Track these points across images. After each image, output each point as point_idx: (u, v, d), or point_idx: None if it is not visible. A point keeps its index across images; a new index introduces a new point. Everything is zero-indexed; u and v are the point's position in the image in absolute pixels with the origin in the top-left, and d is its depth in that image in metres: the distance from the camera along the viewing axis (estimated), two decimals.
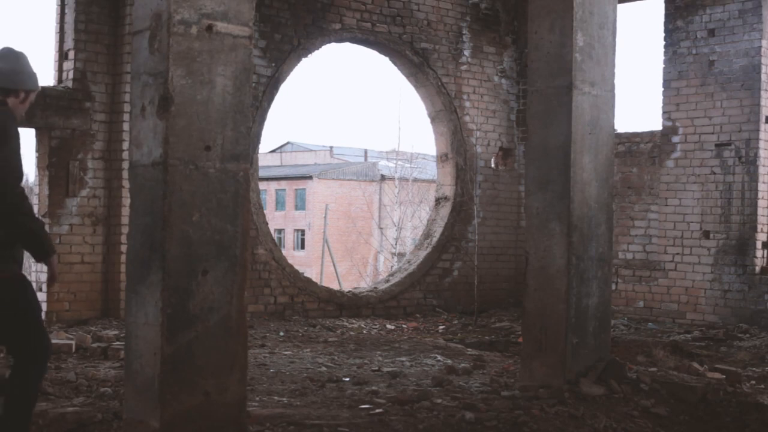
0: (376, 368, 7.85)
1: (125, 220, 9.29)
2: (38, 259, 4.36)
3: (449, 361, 8.29)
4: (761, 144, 10.95)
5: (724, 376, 7.30)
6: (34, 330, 4.47)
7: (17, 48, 4.55)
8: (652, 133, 12.04)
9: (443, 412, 5.93)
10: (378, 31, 11.83)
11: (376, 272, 32.53)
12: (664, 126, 11.77)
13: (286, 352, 8.58)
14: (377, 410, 5.95)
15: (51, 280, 4.50)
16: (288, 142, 60.11)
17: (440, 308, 12.35)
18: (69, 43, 9.91)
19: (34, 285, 9.70)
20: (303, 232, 48.01)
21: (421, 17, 12.26)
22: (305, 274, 12.08)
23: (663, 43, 11.76)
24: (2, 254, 4.28)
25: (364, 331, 10.54)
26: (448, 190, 12.72)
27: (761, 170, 10.96)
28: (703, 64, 11.37)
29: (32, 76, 4.44)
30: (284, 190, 49.24)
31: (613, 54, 6.87)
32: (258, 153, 11.10)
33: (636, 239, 12.10)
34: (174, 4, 4.76)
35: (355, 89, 76.23)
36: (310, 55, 11.40)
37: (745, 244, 11.00)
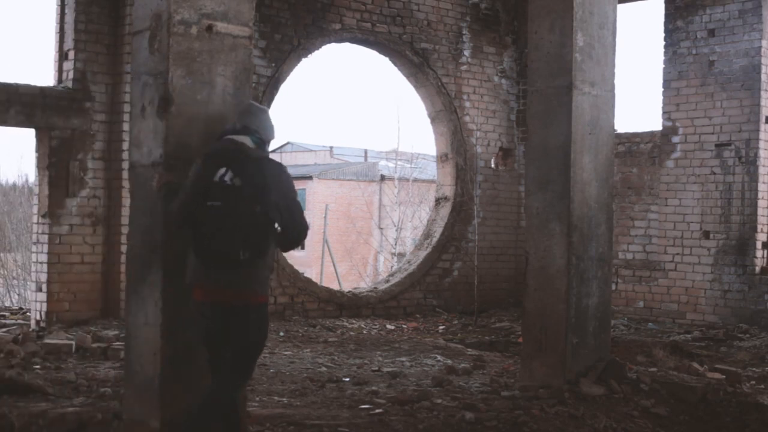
0: (376, 368, 7.85)
1: (125, 220, 9.27)
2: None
3: (449, 361, 8.29)
4: (761, 144, 10.94)
5: (724, 376, 7.30)
6: (248, 367, 4.71)
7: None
8: (652, 133, 12.03)
9: (443, 412, 5.93)
10: (378, 31, 11.83)
11: (376, 272, 32.49)
12: (664, 126, 11.77)
13: (286, 352, 8.58)
14: (377, 410, 5.95)
15: None
16: (288, 142, 60.01)
17: (440, 308, 12.34)
18: (69, 43, 9.91)
19: (34, 285, 9.75)
20: None
21: (421, 17, 12.25)
22: (305, 274, 12.06)
23: (663, 43, 11.75)
24: (265, 278, 4.67)
25: (364, 331, 10.54)
26: (448, 190, 12.71)
27: (761, 170, 10.95)
28: (703, 64, 11.36)
29: (273, 129, 4.86)
30: None
31: (613, 54, 6.87)
32: None
33: (636, 239, 12.09)
34: (174, 4, 4.76)
35: (355, 89, 76.07)
36: (310, 55, 11.38)
37: (745, 244, 11.00)
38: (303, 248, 46.92)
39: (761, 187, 10.96)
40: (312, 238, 46.29)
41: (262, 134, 4.72)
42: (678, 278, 11.53)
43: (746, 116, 10.99)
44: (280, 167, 4.68)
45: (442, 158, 12.85)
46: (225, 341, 4.62)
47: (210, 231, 4.53)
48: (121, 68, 9.93)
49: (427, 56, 12.31)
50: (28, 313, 10.37)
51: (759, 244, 10.98)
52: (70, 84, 9.86)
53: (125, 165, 9.51)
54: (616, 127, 7.04)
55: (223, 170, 4.57)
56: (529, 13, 6.95)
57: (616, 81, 6.87)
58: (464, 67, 12.71)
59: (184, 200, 4.63)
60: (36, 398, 6.05)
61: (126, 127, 9.51)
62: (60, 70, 10.03)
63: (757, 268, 10.95)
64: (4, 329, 9.18)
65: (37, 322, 9.61)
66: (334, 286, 18.06)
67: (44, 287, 9.61)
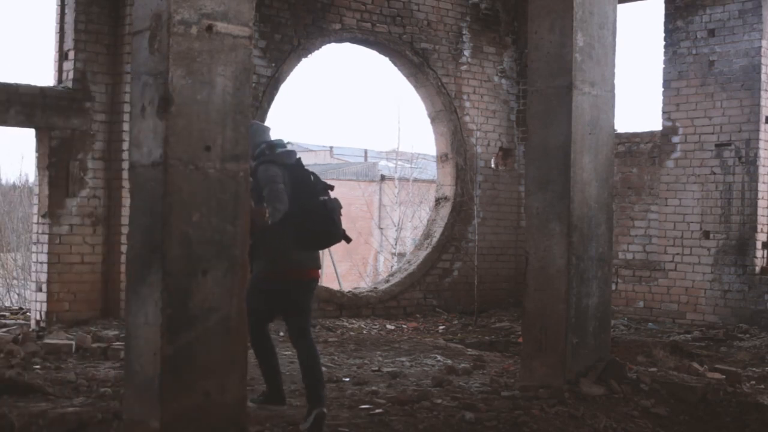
0: (376, 368, 7.85)
1: (125, 220, 9.28)
2: None
3: (449, 361, 8.29)
4: (761, 144, 10.94)
5: (724, 376, 7.30)
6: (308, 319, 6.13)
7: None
8: (652, 133, 12.03)
9: (443, 412, 5.93)
10: (378, 31, 11.83)
11: (376, 272, 32.45)
12: (664, 126, 11.77)
13: (285, 352, 8.57)
14: (377, 410, 5.95)
15: None
16: (288, 142, 60.03)
17: (440, 308, 12.34)
18: (69, 43, 9.90)
19: (34, 285, 9.76)
20: None
21: (421, 17, 12.25)
22: None
23: (663, 43, 11.75)
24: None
25: (364, 331, 10.54)
26: (448, 190, 12.71)
27: (761, 170, 10.95)
28: (703, 64, 11.37)
29: None
30: None
31: (613, 54, 6.87)
32: None
33: (636, 239, 12.09)
34: (174, 4, 4.76)
35: (355, 89, 75.97)
36: (310, 55, 11.38)
37: (745, 244, 11.00)
38: None
39: (761, 187, 10.97)
40: None
41: None
42: (678, 278, 11.53)
43: (746, 116, 11.00)
44: None
45: (442, 158, 12.85)
46: (292, 306, 5.89)
47: (331, 219, 5.64)
48: (121, 68, 9.93)
49: (427, 56, 12.31)
50: (28, 313, 10.37)
51: (759, 244, 10.98)
52: (70, 84, 9.86)
53: (125, 165, 9.51)
54: (616, 127, 7.04)
55: (310, 174, 5.77)
56: (529, 13, 6.95)
57: (616, 81, 6.87)
58: (464, 67, 12.71)
59: (283, 197, 5.53)
60: (36, 398, 6.05)
61: (126, 127, 9.51)
62: (60, 70, 10.03)
63: (757, 268, 10.95)
64: (4, 329, 9.18)
65: (37, 322, 9.61)
66: (334, 286, 18.06)
67: (44, 287, 9.61)
